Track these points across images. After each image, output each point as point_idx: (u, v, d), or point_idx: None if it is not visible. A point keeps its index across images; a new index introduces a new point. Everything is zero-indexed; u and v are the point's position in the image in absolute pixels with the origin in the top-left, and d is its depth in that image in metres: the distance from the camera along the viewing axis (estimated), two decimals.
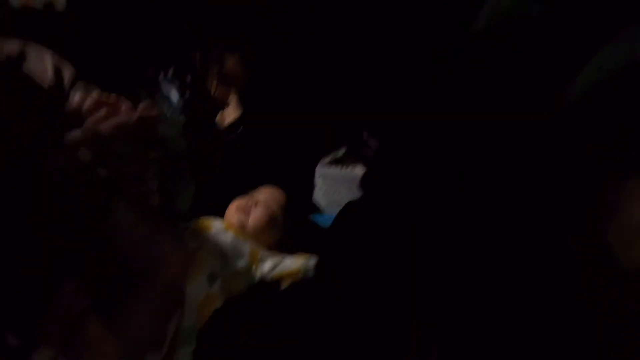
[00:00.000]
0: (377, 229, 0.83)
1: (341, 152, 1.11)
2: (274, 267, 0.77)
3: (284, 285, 0.76)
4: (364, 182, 1.01)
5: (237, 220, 0.83)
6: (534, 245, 0.68)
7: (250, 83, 1.06)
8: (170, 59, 1.02)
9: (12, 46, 0.54)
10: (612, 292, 0.57)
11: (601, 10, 0.75)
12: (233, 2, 1.07)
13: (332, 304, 0.74)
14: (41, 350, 0.45)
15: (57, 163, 0.45)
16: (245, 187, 0.94)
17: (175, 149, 0.91)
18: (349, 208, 0.93)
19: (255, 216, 0.84)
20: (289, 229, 0.89)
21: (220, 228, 0.80)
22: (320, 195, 1.14)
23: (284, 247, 0.86)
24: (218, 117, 1.04)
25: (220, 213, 0.86)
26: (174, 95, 0.98)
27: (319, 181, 1.13)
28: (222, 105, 1.05)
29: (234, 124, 1.01)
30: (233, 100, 1.05)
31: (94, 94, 0.52)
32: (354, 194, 1.06)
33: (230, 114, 1.04)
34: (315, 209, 1.13)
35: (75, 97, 0.51)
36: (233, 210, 0.85)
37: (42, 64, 0.55)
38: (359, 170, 1.09)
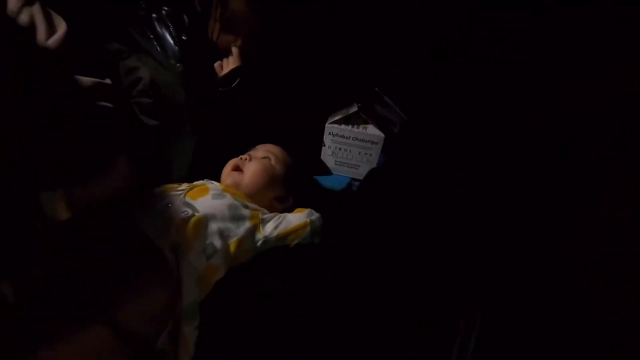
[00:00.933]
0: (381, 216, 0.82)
1: (352, 109, 1.02)
2: (277, 225, 0.72)
3: (291, 243, 0.71)
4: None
5: (232, 180, 0.79)
6: (532, 240, 0.69)
7: (259, 31, 0.93)
8: None
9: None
10: (611, 292, 0.58)
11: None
12: None
13: (342, 270, 0.73)
14: None
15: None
16: (244, 143, 0.89)
17: (174, 98, 0.82)
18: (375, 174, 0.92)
19: (250, 171, 0.79)
20: (292, 188, 0.84)
21: (218, 191, 0.73)
22: (328, 155, 1.09)
23: (286, 203, 0.83)
24: (216, 66, 0.92)
25: (217, 176, 0.81)
26: (169, 39, 0.86)
27: (327, 140, 1.06)
28: (224, 53, 0.93)
29: (230, 75, 0.90)
30: (235, 49, 0.92)
31: None
32: (365, 155, 1.04)
33: (229, 65, 0.92)
34: (322, 170, 1.09)
35: None
36: (228, 170, 0.81)
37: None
38: (371, 130, 1.02)
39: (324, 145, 1.07)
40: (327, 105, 1.08)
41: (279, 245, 0.71)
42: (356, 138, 1.03)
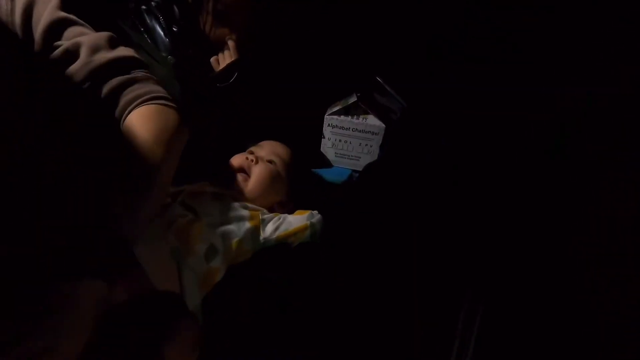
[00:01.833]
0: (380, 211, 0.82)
1: (351, 99, 0.99)
2: (277, 227, 0.71)
3: (292, 243, 0.70)
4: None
5: (236, 183, 0.76)
6: (533, 240, 0.69)
7: (254, 24, 0.91)
8: None
9: None
10: (612, 292, 0.59)
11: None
12: None
13: (343, 269, 0.73)
14: None
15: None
16: (243, 141, 0.87)
17: (168, 93, 0.80)
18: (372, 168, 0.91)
19: (255, 176, 0.77)
20: (294, 187, 0.83)
21: (217, 192, 0.72)
22: (328, 147, 1.07)
23: (287, 207, 0.81)
24: (212, 61, 0.90)
25: (217, 176, 0.78)
26: (159, 31, 0.83)
27: (326, 131, 1.04)
28: (218, 47, 0.90)
29: (227, 70, 0.87)
30: (231, 43, 0.90)
31: None
32: (365, 147, 1.03)
33: (225, 59, 0.89)
34: (323, 162, 1.08)
35: None
36: (233, 170, 0.78)
37: None
38: (371, 121, 1.00)
39: (324, 137, 1.05)
40: (323, 102, 1.06)
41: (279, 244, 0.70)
42: (356, 129, 1.01)
